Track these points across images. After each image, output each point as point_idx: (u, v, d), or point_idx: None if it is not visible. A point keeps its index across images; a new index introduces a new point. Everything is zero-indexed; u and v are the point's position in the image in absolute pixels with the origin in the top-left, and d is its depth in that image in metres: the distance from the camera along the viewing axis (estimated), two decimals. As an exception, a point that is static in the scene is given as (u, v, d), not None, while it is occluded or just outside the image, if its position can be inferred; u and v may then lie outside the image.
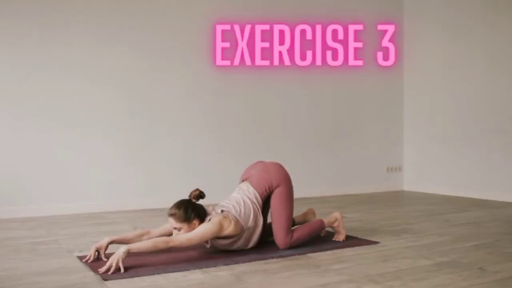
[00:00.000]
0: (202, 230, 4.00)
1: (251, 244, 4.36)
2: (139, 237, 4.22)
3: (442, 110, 8.47)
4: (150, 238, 4.21)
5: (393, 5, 9.08)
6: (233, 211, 4.21)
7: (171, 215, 4.10)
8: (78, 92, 6.68)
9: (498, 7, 7.66)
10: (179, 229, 4.08)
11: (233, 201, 4.34)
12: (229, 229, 4.09)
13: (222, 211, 4.19)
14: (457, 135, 8.24)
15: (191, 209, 4.12)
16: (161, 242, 3.86)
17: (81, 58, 6.69)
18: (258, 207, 4.34)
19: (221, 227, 4.05)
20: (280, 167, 4.53)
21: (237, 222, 4.16)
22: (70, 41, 6.63)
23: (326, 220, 4.69)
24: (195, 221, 4.11)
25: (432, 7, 8.65)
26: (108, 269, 3.63)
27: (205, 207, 4.27)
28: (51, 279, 3.56)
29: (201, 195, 4.26)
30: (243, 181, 4.61)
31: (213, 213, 4.18)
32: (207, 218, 4.14)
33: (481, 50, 7.88)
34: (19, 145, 6.36)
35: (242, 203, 4.30)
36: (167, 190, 7.10)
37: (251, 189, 4.41)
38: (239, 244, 4.28)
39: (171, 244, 3.88)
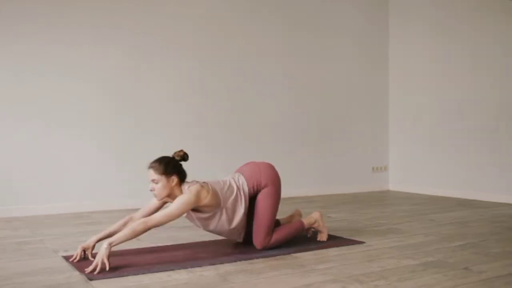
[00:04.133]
0: (180, 203, 3.97)
1: (233, 225, 4.29)
2: (123, 226, 4.17)
3: (428, 110, 8.51)
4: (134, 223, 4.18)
5: (378, 5, 9.11)
6: (215, 185, 4.21)
7: (151, 167, 4.11)
8: (64, 93, 6.65)
9: (483, 7, 7.70)
10: (157, 182, 4.08)
11: (219, 180, 4.35)
12: (206, 200, 4.07)
13: (203, 182, 4.18)
14: (442, 135, 8.27)
15: (172, 165, 4.14)
16: (139, 225, 3.83)
17: (68, 58, 6.66)
18: (242, 195, 4.30)
19: (198, 196, 4.03)
20: (270, 168, 4.53)
21: (215, 194, 4.13)
22: (59, 42, 6.61)
23: (306, 221, 4.68)
24: (174, 177, 4.11)
25: (417, 7, 8.68)
26: (94, 269, 3.62)
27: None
28: (37, 279, 3.54)
29: (184, 156, 4.26)
30: None
31: (194, 182, 4.16)
32: (186, 186, 4.12)
33: (466, 50, 7.92)
34: (4, 146, 6.33)
35: (227, 182, 4.31)
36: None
37: (242, 178, 4.39)
38: (214, 222, 4.23)
39: (149, 224, 3.85)
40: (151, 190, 4.15)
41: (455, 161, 8.09)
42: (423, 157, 8.60)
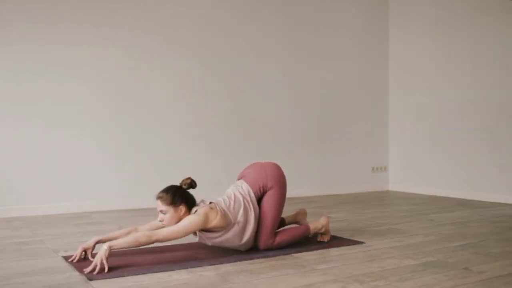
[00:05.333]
0: (186, 223, 3.95)
1: (244, 241, 4.26)
2: (125, 235, 4.19)
3: (428, 110, 8.51)
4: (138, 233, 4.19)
5: (378, 5, 9.11)
6: (222, 204, 4.18)
7: (159, 197, 4.10)
8: (64, 93, 6.65)
9: (483, 7, 7.69)
10: (165, 213, 4.07)
11: (224, 196, 4.32)
12: (215, 221, 4.03)
13: (210, 203, 4.17)
14: (442, 135, 8.27)
15: (179, 195, 4.12)
16: (143, 236, 3.82)
17: (68, 58, 6.66)
18: (250, 203, 4.30)
19: (207, 218, 4.00)
20: (276, 168, 4.51)
21: (224, 214, 4.10)
22: (59, 42, 6.61)
23: (312, 226, 4.64)
24: (182, 207, 4.08)
25: (417, 7, 8.68)
26: (93, 269, 3.62)
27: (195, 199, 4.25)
28: (37, 279, 3.54)
29: (192, 184, 4.23)
30: (239, 179, 4.59)
31: (201, 204, 4.16)
32: (194, 209, 4.11)
33: (466, 50, 7.92)
34: (4, 146, 6.33)
35: (232, 197, 4.27)
36: (152, 191, 7.05)
37: (246, 185, 4.38)
38: (228, 239, 4.20)
39: (154, 238, 3.85)
40: (160, 221, 4.15)
41: (455, 161, 8.09)
42: (423, 157, 8.60)
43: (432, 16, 8.45)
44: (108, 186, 6.90)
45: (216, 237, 4.19)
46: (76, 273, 3.69)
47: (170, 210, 4.07)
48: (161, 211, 4.10)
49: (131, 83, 7.05)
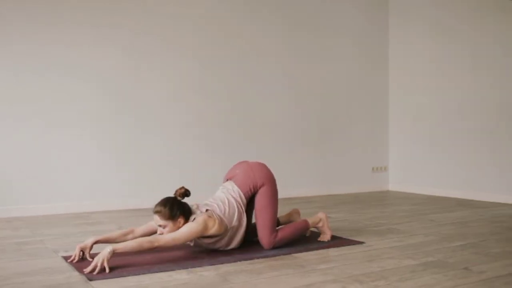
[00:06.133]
0: (187, 230, 3.99)
1: (233, 245, 4.34)
2: (123, 236, 4.21)
3: (428, 110, 8.50)
4: (134, 236, 4.22)
5: (378, 5, 9.11)
6: (217, 210, 4.20)
7: (156, 212, 4.09)
8: (64, 93, 6.65)
9: (483, 7, 7.69)
10: (164, 227, 4.08)
11: (217, 200, 4.32)
12: (213, 229, 4.08)
13: (206, 210, 4.17)
14: (442, 135, 8.27)
15: (176, 207, 4.12)
16: (146, 242, 3.85)
17: (68, 58, 6.66)
18: (242, 206, 4.34)
19: (205, 226, 4.04)
20: (264, 167, 4.54)
21: (221, 221, 4.14)
22: (59, 42, 6.60)
23: (310, 221, 4.71)
24: (180, 219, 4.10)
25: (417, 7, 8.67)
26: (93, 269, 3.62)
27: (190, 205, 4.26)
28: (37, 279, 3.54)
29: (186, 193, 4.25)
30: (227, 180, 4.61)
31: (198, 212, 4.17)
32: (192, 217, 4.12)
33: (466, 50, 7.92)
34: (4, 146, 6.33)
35: (226, 202, 4.30)
36: (152, 191, 7.09)
37: (236, 188, 4.40)
38: (222, 243, 4.27)
39: (156, 244, 3.87)
40: (160, 234, 4.16)
41: (455, 161, 8.08)
42: (423, 157, 8.60)
43: (432, 16, 8.45)
44: (108, 186, 6.90)
45: (211, 242, 4.24)
46: (76, 273, 3.70)
47: (169, 223, 4.09)
48: (160, 226, 4.11)
49: (131, 83, 7.05)
